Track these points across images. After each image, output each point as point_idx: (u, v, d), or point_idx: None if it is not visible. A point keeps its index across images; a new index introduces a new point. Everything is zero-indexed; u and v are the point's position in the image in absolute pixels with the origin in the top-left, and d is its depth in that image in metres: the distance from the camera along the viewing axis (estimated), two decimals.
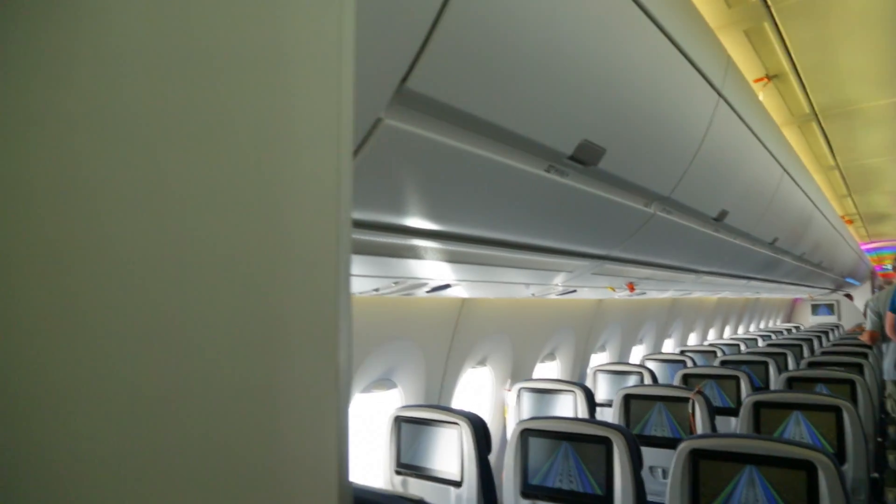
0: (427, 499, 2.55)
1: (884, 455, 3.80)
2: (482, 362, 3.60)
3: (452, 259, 1.99)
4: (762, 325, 12.13)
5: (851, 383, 3.38)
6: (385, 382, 2.90)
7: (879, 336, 4.32)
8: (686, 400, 2.94)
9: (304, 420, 0.55)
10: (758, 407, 2.68)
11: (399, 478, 2.59)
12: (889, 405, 4.68)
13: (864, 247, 12.07)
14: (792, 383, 3.54)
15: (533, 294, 3.01)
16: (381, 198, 1.43)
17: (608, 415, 3.49)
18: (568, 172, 1.84)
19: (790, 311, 13.96)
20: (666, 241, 2.92)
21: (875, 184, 6.69)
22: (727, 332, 9.81)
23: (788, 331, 9.99)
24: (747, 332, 10.45)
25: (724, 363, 4.49)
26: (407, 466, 2.58)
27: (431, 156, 1.35)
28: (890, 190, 7.13)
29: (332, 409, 0.56)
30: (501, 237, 2.01)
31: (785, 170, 3.67)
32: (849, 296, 13.36)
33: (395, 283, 2.16)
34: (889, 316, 4.13)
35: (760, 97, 3.51)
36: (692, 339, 7.95)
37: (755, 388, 3.78)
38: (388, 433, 2.63)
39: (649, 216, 2.42)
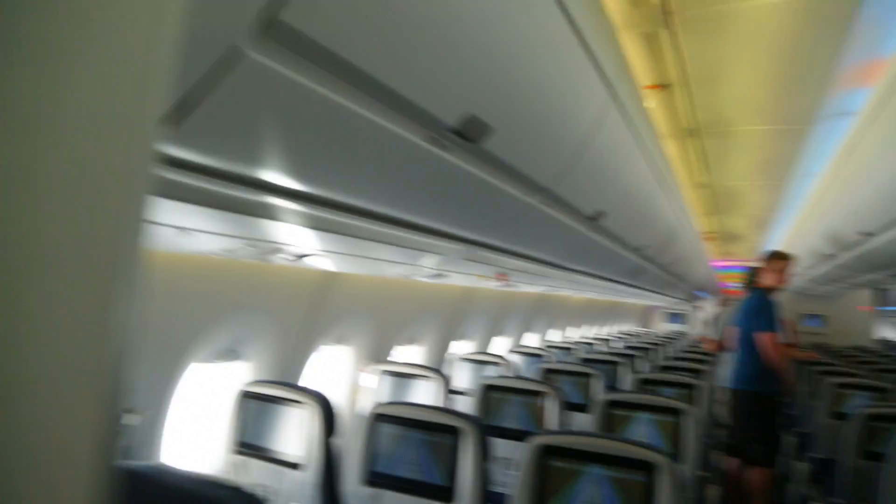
0: (266, 482, 2.41)
1: (708, 455, 4.03)
2: (341, 340, 3.44)
3: (315, 226, 1.83)
4: (618, 328, 12.76)
5: (692, 387, 3.56)
6: (231, 354, 2.68)
7: (721, 346, 4.59)
8: (541, 394, 2.92)
9: (46, 394, 0.42)
10: (610, 406, 2.72)
11: (237, 458, 2.39)
12: (722, 410, 5.02)
13: (717, 264, 12.97)
14: (642, 385, 3.67)
15: (402, 274, 2.90)
16: (237, 144, 1.25)
17: (464, 404, 3.45)
18: (450, 147, 1.72)
19: (645, 316, 14.80)
20: (542, 235, 2.89)
21: (737, 206, 7.15)
22: (586, 331, 10.22)
23: (644, 335, 10.57)
24: (608, 333, 10.92)
25: (583, 361, 4.59)
26: (247, 446, 2.38)
27: (302, 103, 1.19)
28: (748, 213, 7.65)
29: (91, 382, 0.45)
30: (371, 208, 1.87)
31: (660, 181, 3.77)
32: (698, 307, 14.33)
33: (251, 245, 1.96)
34: (729, 330, 4.36)
35: (648, 105, 3.57)
36: (555, 335, 8.16)
37: (607, 387, 3.87)
38: (231, 410, 2.42)
39: (529, 206, 2.37)
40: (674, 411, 2.60)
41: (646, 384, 3.69)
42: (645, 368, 4.94)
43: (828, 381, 4.14)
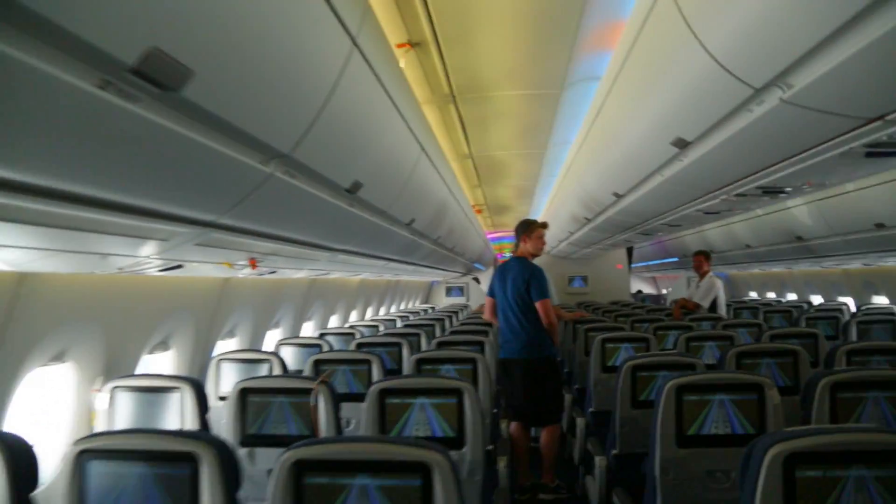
0: None
1: (497, 425, 4.07)
2: (59, 358, 2.80)
3: None
4: (403, 307, 12.78)
5: (474, 362, 3.45)
6: None
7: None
8: (310, 391, 2.58)
9: None
10: (383, 395, 2.47)
11: None
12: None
13: (489, 236, 13.48)
14: (421, 365, 3.49)
15: (121, 269, 2.37)
16: None
17: None
18: (139, 97, 1.30)
19: (427, 292, 15.03)
20: (291, 211, 2.53)
21: (501, 176, 7.31)
22: (369, 314, 10.03)
23: (425, 311, 10.65)
24: (388, 313, 10.84)
25: (360, 346, 4.33)
26: None
27: None
28: (513, 184, 7.89)
29: None
30: (39, 182, 1.39)
31: (423, 149, 3.59)
32: (476, 279, 14.84)
33: None
34: (491, 300, 4.41)
35: (402, 65, 3.35)
36: (333, 322, 7.84)
37: (387, 372, 3.64)
38: None
39: (266, 176, 1.99)
40: (454, 392, 2.44)
41: (425, 364, 3.52)
42: (430, 345, 4.81)
43: (597, 338, 4.29)
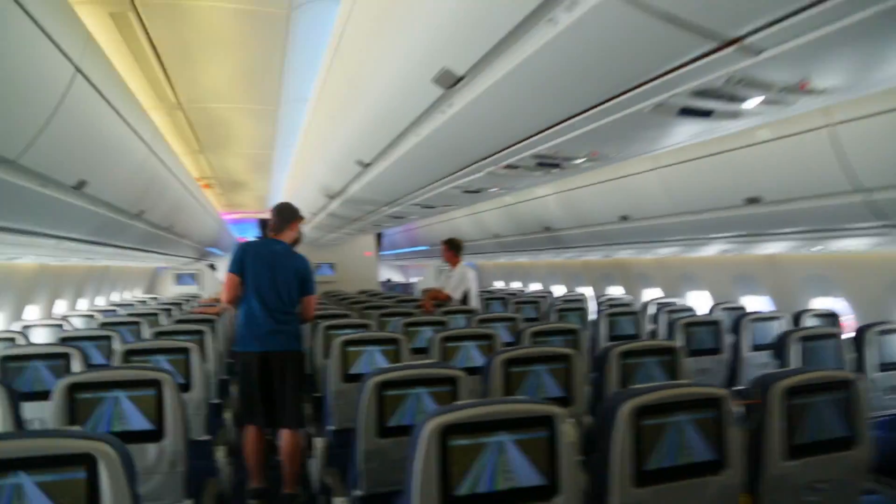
0: None
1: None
2: None
3: None
4: (122, 297, 10.83)
5: (187, 352, 3.30)
6: None
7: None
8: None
9: None
10: (72, 391, 2.26)
11: None
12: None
13: (227, 217, 12.00)
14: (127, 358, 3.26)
15: None
16: None
17: None
18: None
19: (152, 280, 13.04)
20: None
21: (227, 140, 6.01)
22: (75, 306, 8.26)
23: (143, 302, 9.04)
24: (91, 305, 8.97)
25: (61, 341, 3.89)
26: None
27: None
28: (244, 151, 6.60)
29: None
30: None
31: (108, 98, 2.69)
32: (212, 266, 13.24)
33: None
34: (234, 279, 3.76)
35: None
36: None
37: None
38: None
39: None
40: (152, 383, 2.31)
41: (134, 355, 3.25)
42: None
43: (336, 340, 3.43)
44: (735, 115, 1.94)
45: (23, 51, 1.97)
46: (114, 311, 7.36)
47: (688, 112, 1.90)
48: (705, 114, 1.93)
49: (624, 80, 1.69)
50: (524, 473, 1.61)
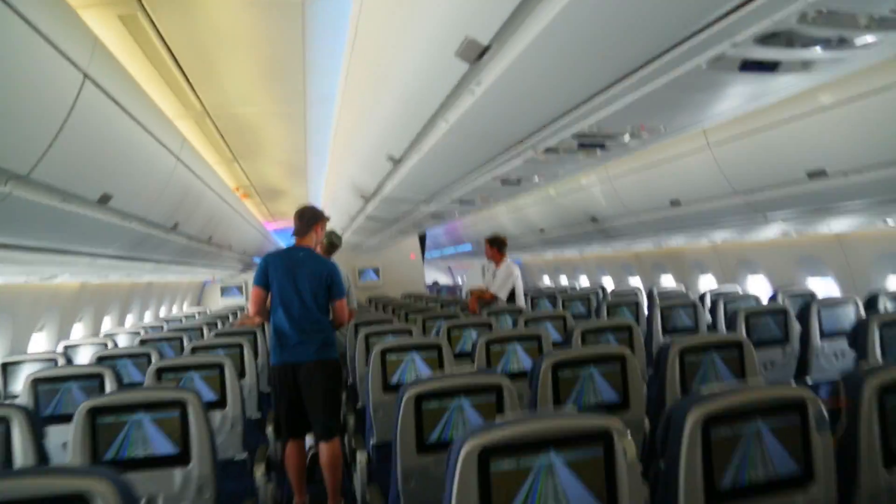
0: None
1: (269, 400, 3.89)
2: None
3: None
4: (166, 312, 10.88)
5: (221, 367, 3.21)
6: None
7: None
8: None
9: None
10: (93, 415, 2.15)
11: None
12: None
13: (270, 227, 11.97)
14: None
15: None
16: None
17: None
18: None
19: (200, 294, 13.13)
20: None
21: (259, 147, 5.88)
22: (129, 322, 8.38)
23: (191, 317, 9.06)
24: (139, 321, 9.01)
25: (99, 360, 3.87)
26: None
27: None
28: (277, 159, 6.47)
29: None
30: None
31: (114, 100, 2.60)
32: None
33: None
34: (260, 291, 3.66)
35: None
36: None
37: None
38: None
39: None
40: (175, 403, 2.19)
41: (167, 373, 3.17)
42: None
43: (375, 349, 3.24)
44: (806, 65, 1.65)
45: (24, 59, 1.89)
46: (161, 327, 7.36)
47: (750, 67, 1.62)
48: (770, 67, 1.65)
49: (678, 27, 1.42)
50: (577, 499, 1.37)
